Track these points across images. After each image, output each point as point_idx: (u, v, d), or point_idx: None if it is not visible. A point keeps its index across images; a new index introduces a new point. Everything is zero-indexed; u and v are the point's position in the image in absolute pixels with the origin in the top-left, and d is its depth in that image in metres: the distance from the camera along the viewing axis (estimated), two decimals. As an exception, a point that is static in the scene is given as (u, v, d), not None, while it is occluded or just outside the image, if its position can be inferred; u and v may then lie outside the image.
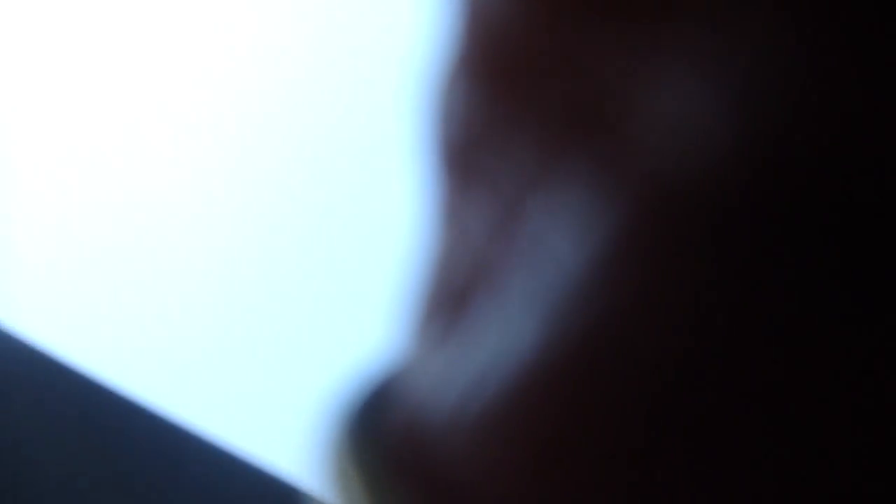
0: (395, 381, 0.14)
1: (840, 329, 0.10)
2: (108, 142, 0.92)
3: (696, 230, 0.10)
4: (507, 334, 0.12)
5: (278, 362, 0.81)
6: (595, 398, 0.11)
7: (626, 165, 0.11)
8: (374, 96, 0.85)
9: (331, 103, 0.96)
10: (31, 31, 0.92)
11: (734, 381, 0.10)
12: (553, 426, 0.11)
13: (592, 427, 0.11)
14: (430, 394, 0.13)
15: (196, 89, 0.92)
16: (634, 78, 0.11)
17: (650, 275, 0.11)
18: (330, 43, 0.93)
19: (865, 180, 0.10)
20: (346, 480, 0.14)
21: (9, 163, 0.94)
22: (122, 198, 0.94)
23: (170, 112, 0.92)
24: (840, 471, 0.10)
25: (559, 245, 0.11)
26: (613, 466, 0.11)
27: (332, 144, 0.95)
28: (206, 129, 0.93)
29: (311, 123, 0.97)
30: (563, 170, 0.12)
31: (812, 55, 0.10)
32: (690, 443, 0.10)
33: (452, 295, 0.13)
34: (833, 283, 0.10)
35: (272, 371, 0.82)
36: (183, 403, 0.89)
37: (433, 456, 0.12)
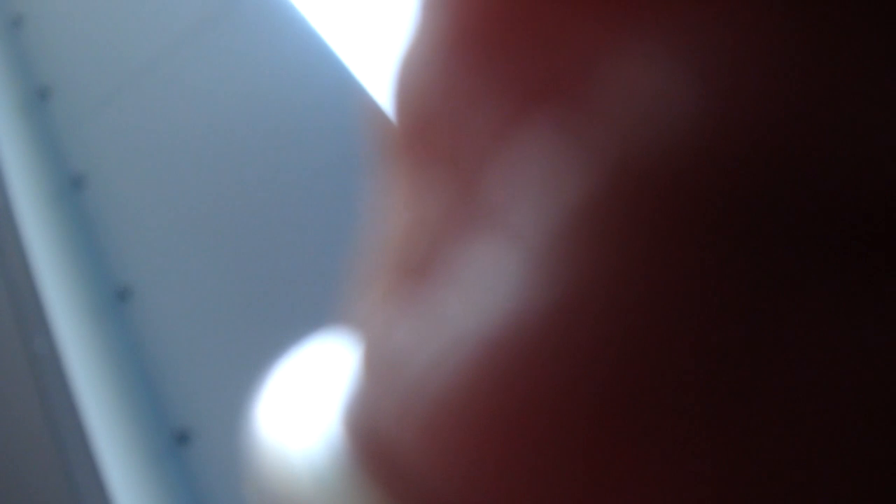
0: (351, 364, 0.13)
1: (804, 315, 0.10)
2: None
3: (665, 210, 0.10)
4: (465, 317, 0.11)
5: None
6: (556, 384, 0.11)
7: (591, 137, 0.11)
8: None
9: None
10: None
11: (698, 369, 0.10)
12: (509, 413, 0.11)
13: (546, 413, 0.11)
14: (386, 378, 0.12)
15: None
16: (604, 50, 0.11)
17: (615, 254, 0.10)
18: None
19: (842, 173, 0.10)
20: (312, 469, 0.13)
21: None
22: None
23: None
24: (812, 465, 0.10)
25: (520, 220, 0.11)
26: (565, 456, 0.11)
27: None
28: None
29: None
30: (523, 139, 0.11)
31: (797, 40, 0.10)
32: (649, 434, 0.10)
33: (409, 278, 0.13)
34: (802, 274, 0.10)
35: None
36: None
37: (388, 443, 0.12)
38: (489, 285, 0.11)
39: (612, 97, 0.11)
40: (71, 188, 1.24)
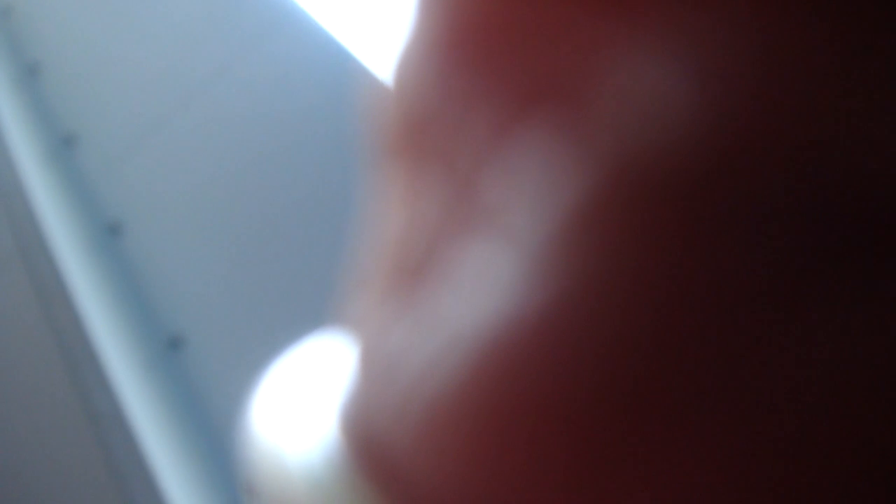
0: (348, 366, 0.13)
1: (804, 311, 0.10)
2: None
3: (662, 211, 0.10)
4: (462, 318, 0.11)
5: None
6: (553, 385, 0.10)
7: (589, 137, 0.11)
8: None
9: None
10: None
11: (696, 370, 0.10)
12: (505, 414, 0.11)
13: (544, 414, 0.11)
14: (382, 379, 0.12)
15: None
16: (603, 50, 0.11)
17: (611, 256, 0.10)
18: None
19: (843, 173, 0.10)
20: (309, 472, 0.13)
21: None
22: None
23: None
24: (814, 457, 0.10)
25: (516, 221, 0.11)
26: (568, 458, 0.10)
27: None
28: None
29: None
30: (520, 139, 0.11)
31: (790, 39, 0.10)
32: (646, 435, 0.10)
33: (405, 279, 0.12)
34: (802, 275, 0.10)
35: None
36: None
37: (384, 446, 0.12)
38: (486, 286, 0.11)
39: (610, 97, 0.11)
40: (109, 235, 1.24)
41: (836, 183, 0.10)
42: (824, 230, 0.10)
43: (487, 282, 0.11)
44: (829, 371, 0.10)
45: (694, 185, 0.10)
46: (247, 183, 1.11)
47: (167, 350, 1.11)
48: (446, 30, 0.12)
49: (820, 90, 0.10)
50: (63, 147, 1.36)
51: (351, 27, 1.02)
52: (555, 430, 0.10)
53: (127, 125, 1.28)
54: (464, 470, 0.11)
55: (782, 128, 0.10)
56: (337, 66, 1.03)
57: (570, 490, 0.10)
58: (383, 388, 0.12)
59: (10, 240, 1.31)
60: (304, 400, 0.14)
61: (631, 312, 0.10)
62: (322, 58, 1.05)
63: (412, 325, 0.12)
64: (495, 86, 0.12)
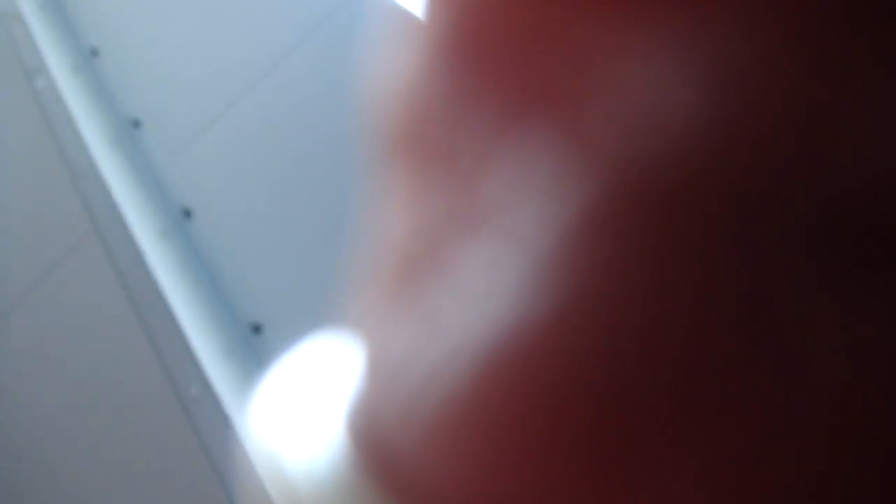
0: (353, 369, 0.13)
1: (804, 315, 0.10)
2: None
3: (664, 210, 0.10)
4: (466, 321, 0.11)
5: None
6: (557, 388, 0.11)
7: (592, 138, 0.11)
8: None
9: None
10: None
11: (699, 372, 0.10)
12: (510, 418, 0.11)
13: (548, 416, 0.11)
14: (388, 383, 0.12)
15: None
16: (604, 52, 0.11)
17: (615, 256, 0.10)
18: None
19: (844, 174, 0.10)
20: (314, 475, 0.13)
21: None
22: None
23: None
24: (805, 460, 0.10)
25: (519, 222, 0.11)
26: (567, 458, 0.11)
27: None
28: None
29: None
30: (522, 140, 0.11)
31: (787, 39, 0.10)
32: (651, 437, 0.10)
33: (408, 281, 0.12)
34: (802, 274, 0.10)
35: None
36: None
37: (390, 448, 0.12)
38: (489, 289, 0.11)
39: (612, 97, 0.11)
40: (182, 219, 1.27)
41: (840, 185, 0.10)
42: (829, 231, 0.10)
43: (491, 285, 0.11)
44: (826, 376, 0.10)
45: (696, 185, 0.10)
46: (311, 166, 1.13)
47: (251, 335, 1.15)
48: (450, 31, 0.12)
49: (819, 90, 0.10)
50: (130, 130, 1.39)
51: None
52: (561, 433, 0.11)
53: (190, 111, 1.30)
54: (470, 472, 0.11)
55: (782, 127, 0.10)
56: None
57: (577, 493, 0.11)
58: (389, 391, 0.12)
59: (87, 219, 1.34)
60: (307, 403, 0.14)
61: (635, 314, 0.10)
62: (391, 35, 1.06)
63: (416, 328, 0.12)
64: (497, 86, 0.12)
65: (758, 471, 0.10)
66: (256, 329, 1.15)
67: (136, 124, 1.39)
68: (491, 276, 0.11)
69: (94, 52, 1.47)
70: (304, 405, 0.14)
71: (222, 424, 1.07)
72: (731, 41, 0.10)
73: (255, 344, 1.14)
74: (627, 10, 0.11)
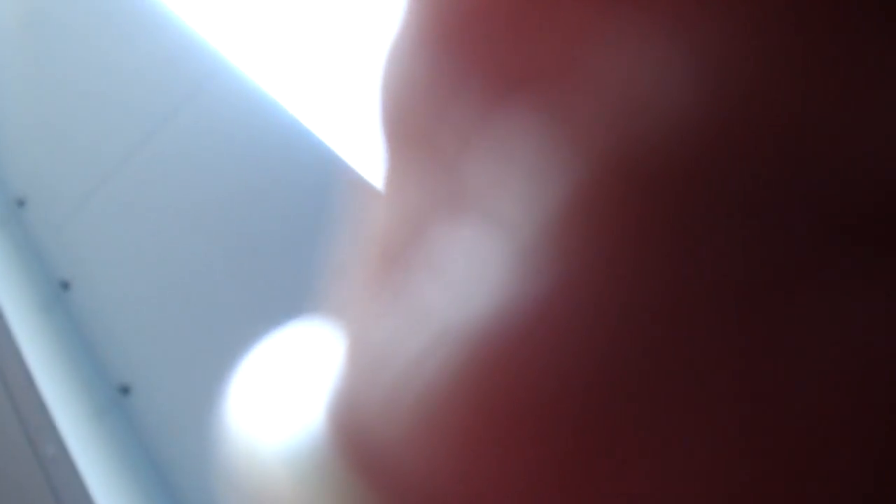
0: (334, 356, 0.13)
1: (800, 311, 0.10)
2: None
3: (653, 198, 0.10)
4: (450, 309, 0.11)
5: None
6: (543, 378, 0.10)
7: (580, 122, 0.10)
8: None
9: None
10: None
11: (692, 361, 0.10)
12: (494, 408, 0.11)
13: (533, 407, 0.10)
14: (370, 371, 0.12)
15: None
16: (592, 36, 0.11)
17: (603, 244, 0.10)
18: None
19: (839, 169, 0.10)
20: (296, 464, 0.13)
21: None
22: None
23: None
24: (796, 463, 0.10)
25: (504, 208, 0.11)
26: (552, 450, 0.10)
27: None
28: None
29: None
30: (506, 127, 0.11)
31: (781, 28, 0.10)
32: (638, 431, 0.10)
33: (392, 267, 0.12)
34: (797, 269, 0.10)
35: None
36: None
37: (372, 438, 0.12)
38: (474, 276, 0.11)
39: (597, 83, 0.10)
40: (60, 291, 1.28)
41: (836, 178, 0.10)
42: (824, 225, 0.10)
43: (476, 272, 0.11)
44: (827, 370, 0.10)
45: (686, 172, 0.10)
46: (191, 232, 1.14)
47: (117, 396, 1.15)
48: (434, 16, 0.12)
49: (811, 81, 0.10)
50: (15, 207, 1.40)
51: (282, 77, 1.06)
52: (545, 425, 0.10)
53: (72, 185, 1.32)
54: (452, 463, 0.11)
55: (775, 115, 0.10)
56: (276, 115, 1.07)
57: (560, 486, 0.10)
58: (371, 380, 0.12)
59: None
60: (286, 391, 0.14)
61: (623, 304, 0.10)
62: (260, 107, 1.09)
63: (400, 316, 0.12)
64: (482, 69, 0.11)
65: (752, 467, 0.10)
66: (125, 390, 1.15)
67: (20, 203, 1.40)
68: (476, 263, 0.11)
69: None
70: (283, 394, 0.14)
71: (77, 483, 1.05)
72: (723, 27, 0.10)
73: (122, 404, 1.14)
74: None
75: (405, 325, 0.12)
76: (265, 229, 1.05)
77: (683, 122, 0.10)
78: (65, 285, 1.28)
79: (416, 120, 0.12)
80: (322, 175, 0.94)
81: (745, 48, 0.10)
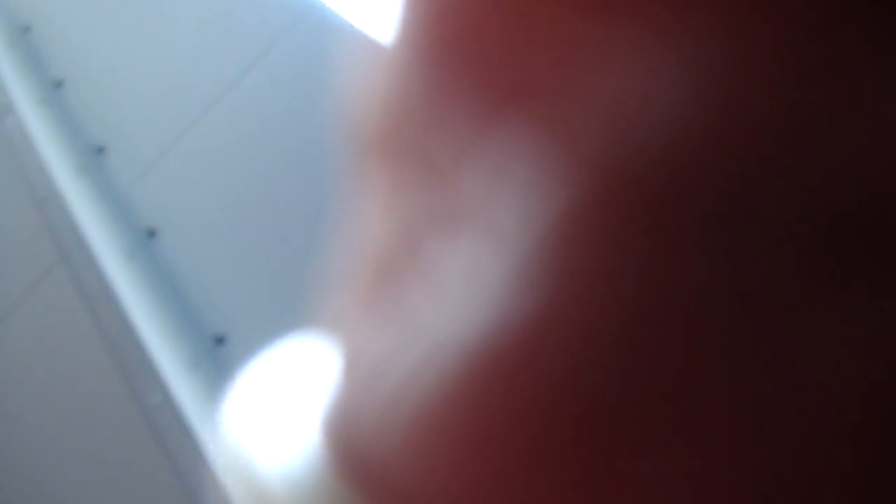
0: (329, 371, 0.13)
1: (794, 316, 0.10)
2: None
3: (646, 209, 0.10)
4: (445, 323, 0.11)
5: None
6: (538, 390, 0.10)
7: (575, 135, 0.10)
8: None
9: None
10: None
11: (686, 371, 0.10)
12: (490, 421, 0.11)
13: (528, 419, 0.10)
14: (366, 385, 0.12)
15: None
16: (586, 51, 0.11)
17: (597, 255, 0.10)
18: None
19: (835, 174, 0.10)
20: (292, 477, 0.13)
21: None
22: None
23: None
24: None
25: (499, 220, 0.11)
26: (547, 463, 0.10)
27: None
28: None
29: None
30: (500, 138, 0.11)
31: (775, 39, 0.10)
32: (633, 440, 0.10)
33: (387, 281, 0.12)
34: (791, 275, 0.10)
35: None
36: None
37: (368, 452, 0.12)
38: (468, 288, 0.11)
39: (589, 97, 0.10)
40: (146, 239, 1.29)
41: (831, 184, 0.10)
42: (820, 231, 0.10)
43: (471, 286, 0.11)
44: (822, 372, 0.10)
45: (681, 182, 0.10)
46: (282, 177, 1.14)
47: (214, 346, 1.16)
48: (429, 29, 0.12)
49: (804, 91, 0.10)
50: (94, 157, 1.40)
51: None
52: (543, 435, 0.10)
53: (152, 134, 1.32)
54: (448, 475, 0.11)
55: (770, 124, 0.10)
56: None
57: (560, 495, 0.10)
58: (367, 394, 0.12)
59: (53, 248, 1.35)
60: (282, 405, 0.14)
61: (617, 314, 0.10)
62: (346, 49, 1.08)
63: (395, 330, 0.12)
64: (476, 83, 0.11)
65: (750, 471, 0.10)
66: (220, 340, 1.16)
67: (100, 151, 1.41)
68: (471, 275, 0.11)
69: (59, 84, 1.49)
70: (278, 408, 0.14)
71: (183, 431, 1.07)
72: (717, 36, 0.10)
73: (217, 355, 1.15)
74: (612, 10, 0.11)
75: (400, 339, 0.12)
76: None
77: (675, 135, 0.10)
78: (151, 233, 1.29)
79: (410, 133, 0.12)
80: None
81: (735, 62, 0.10)
